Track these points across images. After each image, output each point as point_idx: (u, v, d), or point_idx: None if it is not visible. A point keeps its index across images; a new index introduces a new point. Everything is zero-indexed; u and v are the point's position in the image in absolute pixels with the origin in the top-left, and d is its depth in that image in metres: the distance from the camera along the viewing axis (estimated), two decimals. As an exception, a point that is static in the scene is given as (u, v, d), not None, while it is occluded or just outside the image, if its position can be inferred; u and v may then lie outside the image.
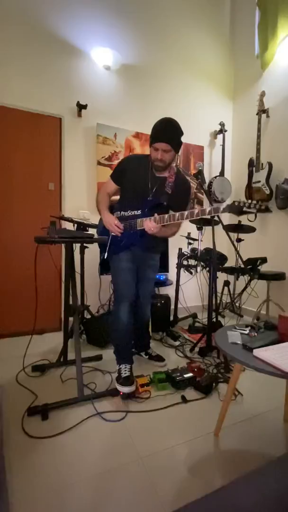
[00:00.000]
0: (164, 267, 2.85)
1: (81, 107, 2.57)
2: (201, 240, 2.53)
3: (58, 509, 0.92)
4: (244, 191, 3.04)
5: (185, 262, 2.63)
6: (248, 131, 3.19)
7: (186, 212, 1.49)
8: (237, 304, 3.08)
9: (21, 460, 1.11)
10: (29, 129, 2.48)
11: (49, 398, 1.47)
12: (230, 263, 2.94)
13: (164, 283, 2.75)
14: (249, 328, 1.37)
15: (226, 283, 2.91)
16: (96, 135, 2.69)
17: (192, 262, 2.59)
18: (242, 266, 2.57)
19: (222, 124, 3.29)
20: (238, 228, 2.65)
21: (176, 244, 2.77)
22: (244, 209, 1.39)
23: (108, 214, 1.68)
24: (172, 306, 2.71)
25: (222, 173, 3.32)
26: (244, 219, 3.01)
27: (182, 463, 1.12)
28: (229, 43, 3.41)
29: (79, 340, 1.61)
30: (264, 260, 2.50)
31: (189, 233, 2.63)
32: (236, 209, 1.39)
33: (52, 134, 2.58)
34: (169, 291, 2.90)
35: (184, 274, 2.69)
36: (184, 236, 2.60)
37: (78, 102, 2.55)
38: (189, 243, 2.65)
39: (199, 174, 1.92)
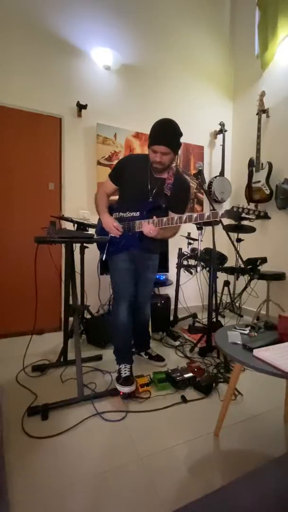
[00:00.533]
0: (164, 267, 2.85)
1: (81, 107, 2.57)
2: (201, 240, 2.53)
3: (58, 509, 0.92)
4: (244, 191, 3.04)
5: (185, 262, 2.63)
6: (248, 131, 3.19)
7: (184, 216, 1.48)
8: (237, 304, 3.08)
9: (21, 460, 1.11)
10: (29, 129, 2.48)
11: (49, 398, 1.47)
12: (230, 263, 2.93)
13: (164, 283, 2.75)
14: (249, 328, 1.37)
15: (226, 283, 2.91)
16: (96, 135, 2.69)
17: (192, 262, 2.59)
18: (242, 266, 2.58)
19: (222, 124, 3.29)
20: (238, 228, 2.64)
21: (176, 244, 2.77)
22: (243, 215, 1.39)
23: (107, 215, 1.67)
24: (172, 306, 2.71)
25: (222, 173, 3.33)
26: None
27: (182, 463, 1.12)
28: (229, 43, 3.41)
29: (79, 340, 1.61)
30: (264, 260, 2.50)
31: (189, 233, 2.63)
32: (235, 214, 1.39)
33: (52, 134, 2.58)
34: (169, 291, 2.90)
35: (184, 274, 2.69)
36: (184, 236, 2.60)
37: (78, 102, 2.55)
38: (189, 243, 2.65)
39: (199, 174, 1.92)
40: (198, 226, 2.53)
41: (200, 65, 3.24)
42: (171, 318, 2.70)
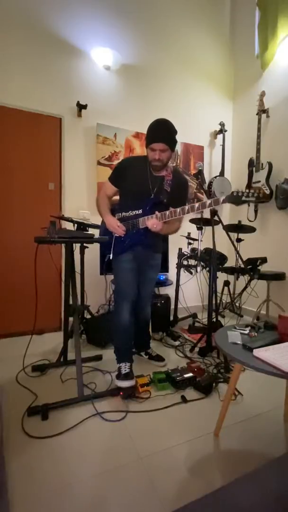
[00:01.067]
0: (164, 267, 2.85)
1: (81, 107, 2.57)
2: (201, 240, 2.53)
3: (58, 509, 0.92)
4: (244, 191, 3.03)
5: (185, 262, 2.63)
6: (248, 131, 3.19)
7: (187, 207, 1.53)
8: (237, 304, 3.08)
9: (21, 460, 1.11)
10: (29, 129, 2.48)
11: (49, 398, 1.47)
12: (230, 263, 2.93)
13: (164, 283, 2.75)
14: (249, 328, 1.37)
15: (226, 283, 2.91)
16: (96, 135, 2.69)
17: (192, 262, 2.59)
18: (242, 266, 2.57)
19: (222, 124, 3.29)
20: (238, 228, 2.65)
21: (176, 244, 2.77)
22: (243, 198, 1.39)
23: (110, 216, 1.70)
24: (172, 306, 2.71)
25: (222, 173, 3.32)
26: (244, 219, 3.01)
27: (182, 463, 1.12)
28: (229, 43, 3.41)
29: (79, 340, 1.62)
30: (264, 260, 2.50)
31: (189, 233, 2.63)
32: (236, 199, 1.40)
33: (52, 134, 2.58)
34: (169, 291, 2.90)
35: (184, 274, 2.69)
36: (184, 236, 2.60)
37: (78, 102, 2.55)
38: (189, 243, 2.65)
39: (199, 174, 1.92)
40: (198, 226, 2.53)
41: (200, 65, 3.24)
42: (171, 318, 2.70)
